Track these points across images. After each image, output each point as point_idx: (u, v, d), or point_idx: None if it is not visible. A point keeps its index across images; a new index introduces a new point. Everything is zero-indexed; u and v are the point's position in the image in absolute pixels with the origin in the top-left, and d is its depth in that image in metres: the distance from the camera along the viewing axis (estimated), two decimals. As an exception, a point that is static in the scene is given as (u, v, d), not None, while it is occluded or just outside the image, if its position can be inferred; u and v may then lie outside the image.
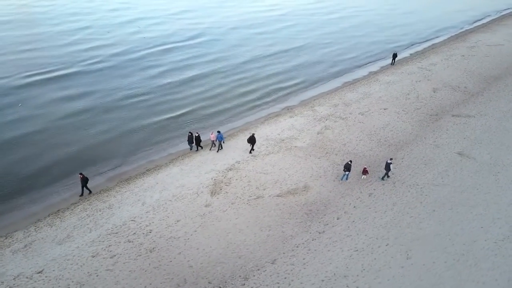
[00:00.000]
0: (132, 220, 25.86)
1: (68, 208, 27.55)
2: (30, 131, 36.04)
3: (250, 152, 33.24)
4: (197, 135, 32.76)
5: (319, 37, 66.58)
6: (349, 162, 29.67)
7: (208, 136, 35.83)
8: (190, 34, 65.03)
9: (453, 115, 40.50)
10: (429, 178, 30.62)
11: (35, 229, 25.45)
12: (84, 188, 28.53)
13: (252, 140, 32.74)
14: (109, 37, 61.36)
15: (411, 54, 60.39)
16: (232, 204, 27.46)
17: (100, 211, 26.98)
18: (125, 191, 29.07)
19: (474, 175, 30.98)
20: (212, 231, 25.14)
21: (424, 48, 63.63)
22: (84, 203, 27.92)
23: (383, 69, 53.73)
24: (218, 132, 32.75)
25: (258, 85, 47.54)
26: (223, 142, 33.58)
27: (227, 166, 31.54)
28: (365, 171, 30.28)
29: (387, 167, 29.66)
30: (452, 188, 29.42)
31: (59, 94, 42.87)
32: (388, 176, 30.41)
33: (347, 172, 29.97)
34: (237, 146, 34.68)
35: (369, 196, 28.72)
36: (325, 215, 26.92)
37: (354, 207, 27.62)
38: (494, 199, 28.16)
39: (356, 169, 31.38)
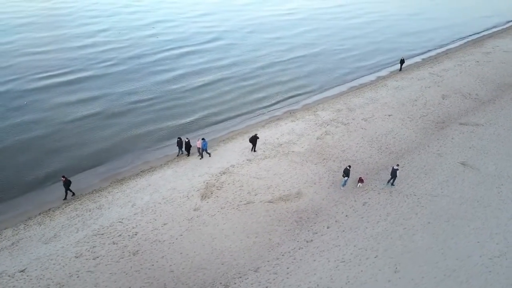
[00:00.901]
0: (119, 222, 25.78)
1: (59, 207, 27.70)
2: (34, 134, 36.04)
3: (252, 151, 33.52)
4: (187, 140, 32.39)
5: (337, 43, 64.84)
6: (348, 167, 28.99)
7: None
8: (206, 37, 64.20)
9: (460, 123, 39.18)
10: (428, 188, 29.60)
11: (24, 227, 25.64)
12: (68, 191, 28.27)
13: (253, 140, 32.78)
14: (125, 39, 61.23)
15: (423, 59, 58.90)
16: (221, 208, 27.10)
17: (90, 211, 27.02)
18: (117, 192, 29.06)
19: (476, 186, 29.80)
20: (198, 236, 24.83)
21: (438, 53, 61.98)
22: (75, 203, 28.03)
23: (392, 74, 52.54)
24: (203, 139, 31.89)
25: (268, 92, 46.36)
26: (206, 151, 32.57)
27: (221, 170, 31.22)
28: (360, 180, 29.51)
29: (394, 173, 28.86)
30: (451, 199, 28.35)
31: (66, 98, 42.48)
32: (393, 184, 29.58)
33: (346, 178, 29.29)
34: (234, 149, 34.35)
35: (363, 205, 27.93)
36: (315, 223, 26.28)
37: (346, 216, 26.89)
38: (494, 213, 26.99)
39: (353, 176, 30.58)
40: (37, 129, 36.74)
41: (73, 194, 28.84)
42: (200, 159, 32.59)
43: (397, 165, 29.40)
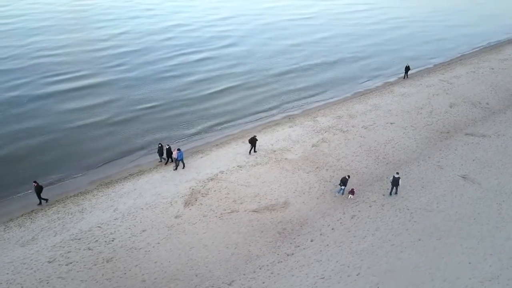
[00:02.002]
0: (98, 227, 25.35)
1: (42, 209, 27.49)
2: (33, 140, 35.69)
3: (250, 153, 33.19)
4: (167, 147, 31.48)
5: (355, 49, 62.08)
6: (347, 177, 28.01)
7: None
8: (223, 43, 62.68)
9: (466, 134, 37.39)
10: (423, 202, 28.16)
11: (4, 228, 25.50)
12: (38, 196, 27.54)
13: (253, 142, 32.52)
14: (140, 41, 60.88)
15: (435, 65, 56.86)
16: (203, 217, 26.37)
17: (71, 214, 26.70)
18: (102, 195, 28.69)
19: (475, 202, 28.19)
20: (175, 244, 24.15)
21: (452, 59, 59.75)
22: (58, 205, 27.79)
23: (400, 80, 50.84)
24: (178, 150, 30.54)
25: (276, 101, 44.78)
26: (183, 162, 31.22)
27: (209, 176, 30.51)
28: (352, 191, 28.34)
29: (396, 181, 27.73)
30: (446, 215, 26.86)
31: (72, 104, 41.96)
32: (396, 193, 28.39)
33: (343, 187, 28.24)
34: (226, 154, 33.61)
35: (352, 218, 26.74)
36: (299, 235, 25.26)
37: (333, 229, 25.76)
38: (491, 232, 25.38)
39: (347, 186, 29.35)
40: (37, 134, 36.60)
41: (46, 201, 27.98)
42: (174, 169, 31.21)
43: (397, 173, 28.18)
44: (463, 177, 30.87)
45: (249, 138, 33.46)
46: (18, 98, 42.55)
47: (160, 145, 31.91)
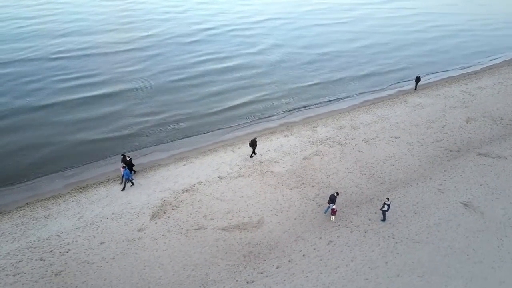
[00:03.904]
0: (57, 235, 24.35)
1: (10, 212, 26.91)
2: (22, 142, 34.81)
3: (251, 156, 32.29)
4: (128, 159, 29.54)
5: (390, 61, 55.99)
6: (335, 194, 25.76)
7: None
8: (250, 50, 57.85)
9: (479, 154, 33.79)
10: (412, 231, 25.30)
11: (-33, 230, 24.96)
12: None
13: (253, 144, 31.42)
14: (169, 42, 58.86)
15: (461, 74, 52.59)
16: (168, 232, 24.81)
17: (36, 219, 25.90)
18: (72, 201, 27.77)
19: (473, 235, 25.03)
20: (131, 261, 22.73)
21: (482, 68, 55.16)
22: (27, 209, 27.13)
23: (412, 89, 47.20)
24: (124, 167, 27.79)
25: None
26: (129, 179, 28.27)
27: (185, 186, 28.93)
28: (333, 212, 25.90)
29: (388, 207, 25.37)
30: (435, 248, 23.93)
31: (77, 115, 39.45)
32: (383, 220, 26.03)
33: (331, 205, 25.98)
34: (211, 163, 31.92)
35: (328, 244, 24.34)
36: (265, 260, 23.19)
37: (304, 255, 23.50)
38: (484, 272, 22.30)
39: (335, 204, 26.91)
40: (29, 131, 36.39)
41: None
42: (122, 190, 28.33)
43: (387, 198, 25.53)
44: (464, 204, 27.65)
45: (248, 141, 32.53)
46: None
47: (123, 156, 29.87)
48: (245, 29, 68.36)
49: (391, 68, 53.75)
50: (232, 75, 49.41)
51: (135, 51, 55.73)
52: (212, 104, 42.37)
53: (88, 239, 24.05)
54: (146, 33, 63.00)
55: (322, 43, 62.18)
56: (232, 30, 67.44)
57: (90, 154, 33.49)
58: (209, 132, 37.49)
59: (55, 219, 25.90)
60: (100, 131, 36.60)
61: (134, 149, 34.25)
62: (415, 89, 46.72)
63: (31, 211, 26.77)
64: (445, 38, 67.01)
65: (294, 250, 23.91)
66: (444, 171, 31.55)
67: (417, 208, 27.41)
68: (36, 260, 22.59)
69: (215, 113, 40.71)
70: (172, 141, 35.86)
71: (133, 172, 30.08)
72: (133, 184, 28.79)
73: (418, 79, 46.02)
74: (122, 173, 27.92)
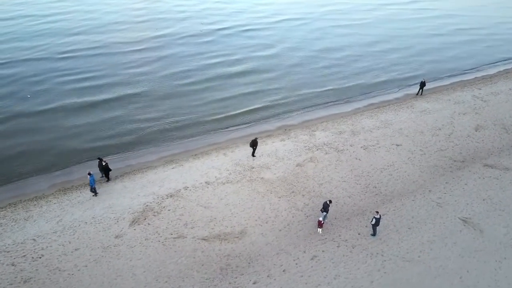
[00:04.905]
0: (33, 239, 23.75)
1: (-9, 212, 26.44)
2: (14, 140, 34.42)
3: (252, 155, 31.94)
4: (104, 163, 28.47)
5: (411, 66, 53.18)
6: (328, 202, 24.74)
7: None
8: (261, 53, 55.13)
9: (485, 165, 31.79)
10: (403, 248, 23.74)
11: None
12: None
13: (253, 145, 30.98)
14: (180, 43, 57.28)
15: (475, 78, 50.11)
16: (145, 240, 23.92)
17: (15, 221, 25.40)
18: (55, 203, 27.20)
19: (469, 254, 23.31)
20: (103, 270, 21.92)
21: (499, 71, 52.52)
22: (7, 210, 26.64)
23: (427, 93, 45.03)
24: (89, 174, 26.38)
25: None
26: (92, 188, 26.87)
27: (170, 191, 28.00)
28: (319, 224, 24.56)
29: (377, 221, 23.90)
30: (426, 268, 22.34)
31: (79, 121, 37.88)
32: (373, 235, 24.55)
33: (324, 213, 24.74)
34: (200, 167, 30.93)
35: (312, 259, 23.02)
36: (242, 274, 22.05)
37: (284, 271, 22.26)
38: (476, 298, 20.65)
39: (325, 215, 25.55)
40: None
41: None
42: (93, 195, 27.37)
43: (377, 212, 24.04)
44: (463, 220, 25.88)
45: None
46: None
47: (99, 160, 28.92)
48: (261, 29, 66.21)
49: (411, 74, 50.71)
50: (241, 80, 47.15)
51: (145, 52, 53.81)
52: (214, 110, 40.36)
53: (63, 245, 23.37)
54: (158, 33, 61.72)
55: (340, 46, 59.13)
56: (248, 30, 65.24)
57: (80, 155, 32.82)
58: (203, 134, 36.35)
59: (34, 221, 25.33)
60: (98, 134, 35.62)
61: (123, 151, 33.41)
62: (420, 94, 44.38)
63: (11, 212, 26.30)
64: (472, 43, 63.05)
65: (275, 264, 22.69)
66: (446, 183, 29.73)
67: (412, 223, 25.78)
68: (7, 265, 22.01)
69: (217, 120, 38.86)
70: (163, 142, 34.91)
71: (106, 179, 29.08)
72: (95, 194, 27.35)
73: (423, 84, 43.77)
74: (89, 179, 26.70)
